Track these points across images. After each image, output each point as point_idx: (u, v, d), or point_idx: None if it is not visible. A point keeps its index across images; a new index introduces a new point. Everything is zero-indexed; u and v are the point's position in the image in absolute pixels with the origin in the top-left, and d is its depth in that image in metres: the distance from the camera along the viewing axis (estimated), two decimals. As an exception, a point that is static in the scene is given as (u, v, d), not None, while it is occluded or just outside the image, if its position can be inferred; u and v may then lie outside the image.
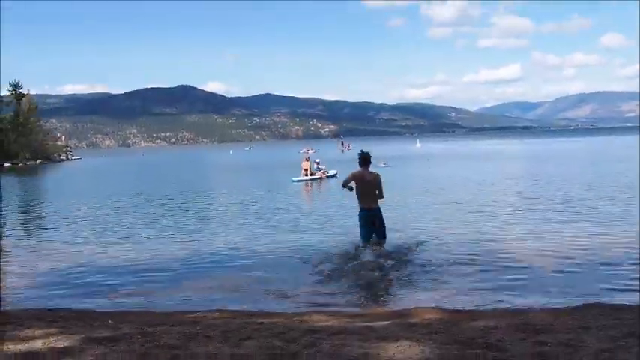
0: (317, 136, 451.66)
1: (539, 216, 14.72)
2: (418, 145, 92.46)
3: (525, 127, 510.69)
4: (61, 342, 4.92)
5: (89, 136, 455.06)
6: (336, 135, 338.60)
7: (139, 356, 4.41)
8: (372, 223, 10.01)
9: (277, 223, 15.62)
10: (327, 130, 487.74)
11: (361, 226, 10.04)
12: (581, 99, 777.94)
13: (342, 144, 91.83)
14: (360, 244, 9.95)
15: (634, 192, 18.88)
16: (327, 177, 30.99)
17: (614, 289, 7.83)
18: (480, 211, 15.71)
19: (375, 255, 9.50)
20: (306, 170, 30.63)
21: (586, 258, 9.73)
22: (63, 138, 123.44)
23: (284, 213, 17.77)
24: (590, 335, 4.87)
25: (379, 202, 10.16)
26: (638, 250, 10.12)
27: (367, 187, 10.12)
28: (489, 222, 13.98)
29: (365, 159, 10.14)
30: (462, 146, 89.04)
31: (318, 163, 31.94)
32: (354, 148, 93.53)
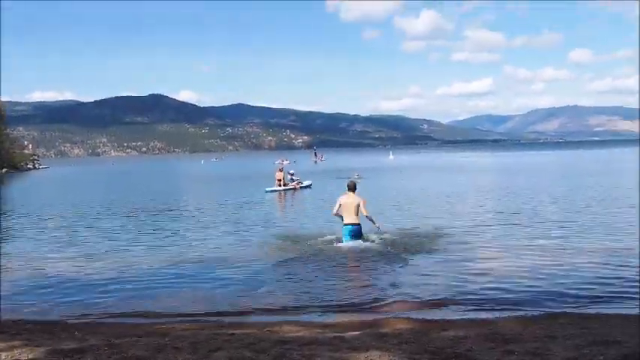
0: (290, 147, 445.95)
1: (509, 228, 14.92)
2: (391, 157, 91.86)
3: (496, 140, 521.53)
4: (26, 354, 4.81)
5: (57, 144, 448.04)
6: (309, 146, 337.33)
7: (106, 368, 4.32)
8: (353, 235, 12.44)
9: (248, 231, 15.55)
10: (300, 140, 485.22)
11: (344, 235, 12.54)
12: (551, 113, 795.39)
13: (316, 155, 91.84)
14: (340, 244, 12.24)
15: (603, 205, 19.27)
16: (301, 187, 30.98)
17: (581, 299, 7.96)
18: (451, 226, 15.85)
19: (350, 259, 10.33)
20: (279, 180, 30.59)
21: (554, 269, 9.88)
22: (30, 146, 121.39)
23: (256, 222, 17.69)
24: (557, 344, 4.94)
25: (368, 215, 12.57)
26: (604, 261, 10.31)
27: (349, 207, 12.80)
28: (459, 235, 14.11)
29: (351, 186, 13.28)
30: (434, 158, 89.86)
31: (292, 175, 31.96)
32: (327, 159, 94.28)
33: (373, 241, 12.51)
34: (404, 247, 12.03)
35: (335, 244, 12.31)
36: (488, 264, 10.39)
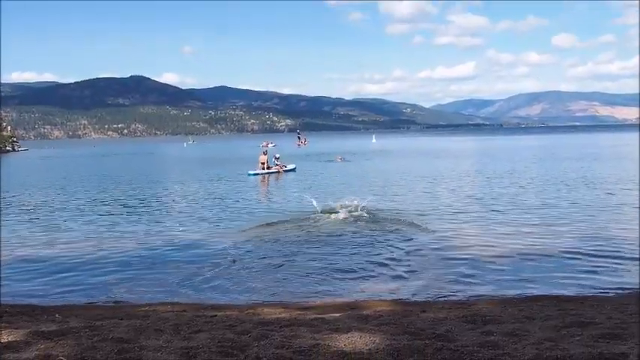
0: (273, 130, 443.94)
1: (490, 212, 15.05)
2: (374, 140, 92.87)
3: (478, 125, 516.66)
4: (6, 337, 4.78)
5: (37, 126, 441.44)
6: (292, 129, 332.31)
7: (86, 349, 4.32)
8: None
9: (230, 216, 15.52)
10: (283, 124, 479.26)
11: None
12: (534, 98, 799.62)
13: (299, 138, 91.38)
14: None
15: (583, 189, 19.51)
16: (285, 171, 30.97)
17: (560, 281, 8.08)
18: (434, 208, 15.95)
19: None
20: (263, 164, 30.52)
21: (534, 252, 10.00)
22: (9, 128, 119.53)
23: (238, 206, 17.65)
24: (535, 325, 5.02)
25: None
26: (582, 245, 10.46)
27: None
28: (441, 217, 14.21)
29: None
30: (417, 142, 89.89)
31: (277, 158, 31.94)
32: (311, 142, 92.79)
33: (349, 220, 12.68)
34: (382, 230, 12.09)
35: (315, 226, 12.38)
36: (468, 248, 10.49)
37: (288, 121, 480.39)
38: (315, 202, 14.86)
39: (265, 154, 31.10)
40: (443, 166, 33.48)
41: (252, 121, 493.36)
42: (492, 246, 10.59)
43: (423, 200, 17.70)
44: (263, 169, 30.35)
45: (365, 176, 27.86)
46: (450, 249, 10.37)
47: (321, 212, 14.24)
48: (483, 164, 33.68)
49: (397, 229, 12.28)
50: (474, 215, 14.48)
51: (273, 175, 30.13)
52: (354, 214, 13.68)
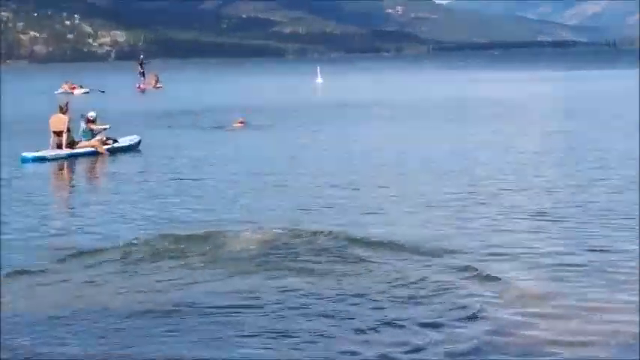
0: (85, 58, 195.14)
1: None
2: (319, 79, 44.84)
3: (559, 44, 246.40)
4: None
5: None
6: (129, 55, 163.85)
7: None
8: None
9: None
10: (106, 41, 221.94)
11: None
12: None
13: (144, 76, 42.32)
14: None
15: None
16: (112, 150, 14.68)
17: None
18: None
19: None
20: (59, 136, 14.18)
21: None
22: None
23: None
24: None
25: None
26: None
27: None
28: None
29: None
30: (414, 85, 42.20)
31: (92, 121, 15.19)
32: (177, 83, 46.53)
33: None
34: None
35: None
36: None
37: (120, 38, 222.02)
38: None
39: (65, 113, 14.46)
40: (483, 156, 13.48)
41: (32, 34, 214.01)
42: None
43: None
44: (60, 147, 14.11)
45: (294, 166, 12.07)
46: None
47: None
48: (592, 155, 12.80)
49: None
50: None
51: (84, 160, 14.11)
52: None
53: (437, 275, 5.99)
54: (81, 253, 6.99)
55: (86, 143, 14.51)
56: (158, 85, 40.48)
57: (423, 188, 10.37)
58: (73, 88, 38.32)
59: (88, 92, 37.54)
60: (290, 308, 5.29)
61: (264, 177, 11.75)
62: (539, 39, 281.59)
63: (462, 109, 24.34)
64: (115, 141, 14.99)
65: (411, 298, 5.46)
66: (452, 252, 6.72)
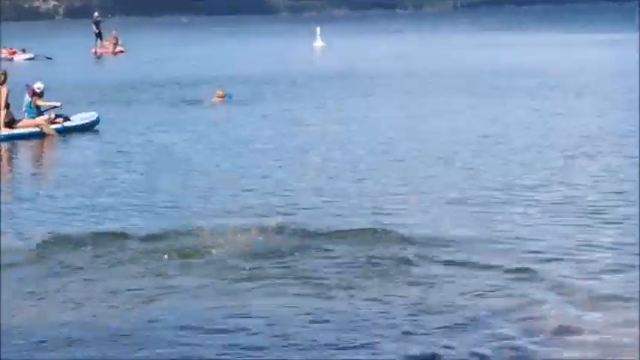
0: (28, 15, 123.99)
1: None
2: (318, 41, 38.98)
3: None
4: None
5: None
6: (80, 13, 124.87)
7: None
8: None
9: None
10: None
11: None
12: None
13: (99, 38, 34.67)
14: None
15: None
16: (64, 130, 11.95)
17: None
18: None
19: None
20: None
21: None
22: None
23: None
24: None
25: None
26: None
27: None
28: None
29: None
30: (437, 49, 34.59)
31: (38, 95, 12.24)
32: (146, 47, 39.01)
33: None
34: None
35: None
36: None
37: None
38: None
39: (3, 84, 11.58)
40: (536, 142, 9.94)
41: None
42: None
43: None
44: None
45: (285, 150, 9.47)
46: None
47: None
48: None
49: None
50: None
51: (27, 143, 11.39)
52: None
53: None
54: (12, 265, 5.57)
55: (29, 122, 11.71)
56: (118, 49, 33.39)
57: (449, 179, 8.57)
58: (14, 52, 31.86)
59: (32, 58, 30.87)
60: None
61: (250, 164, 9.54)
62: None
63: (494, 80, 19.89)
64: (67, 119, 12.14)
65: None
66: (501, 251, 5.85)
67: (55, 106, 12.30)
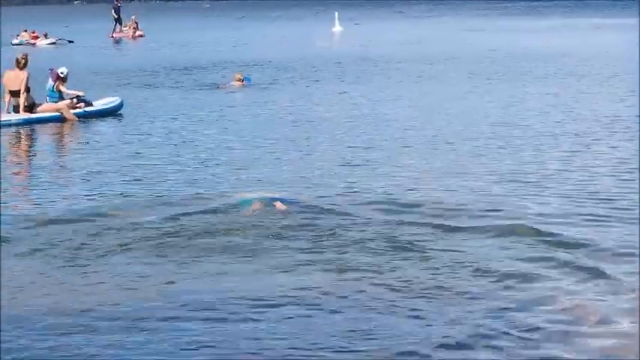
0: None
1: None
2: (336, 28, 37.96)
3: None
4: None
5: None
6: None
7: None
8: None
9: None
10: None
11: None
12: None
13: (119, 22, 34.58)
14: None
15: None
16: (84, 116, 11.86)
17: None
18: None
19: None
20: (17, 96, 11.32)
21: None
22: None
23: None
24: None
25: None
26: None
27: None
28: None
29: None
30: (460, 33, 33.56)
31: (62, 79, 11.92)
32: (150, 32, 34.93)
33: None
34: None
35: None
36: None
37: None
38: None
39: (23, 68, 11.47)
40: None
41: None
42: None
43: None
44: (18, 110, 11.30)
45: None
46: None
47: None
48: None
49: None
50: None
51: (47, 127, 11.31)
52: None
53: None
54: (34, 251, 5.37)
55: (50, 106, 11.62)
56: (138, 34, 32.97)
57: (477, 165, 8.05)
58: (36, 37, 31.06)
59: (54, 43, 30.47)
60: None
61: (272, 146, 9.53)
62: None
63: (517, 65, 19.47)
64: (89, 104, 12.05)
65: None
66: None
67: (78, 95, 12.13)
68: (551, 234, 5.62)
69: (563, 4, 74.94)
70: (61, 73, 11.96)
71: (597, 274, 4.78)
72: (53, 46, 30.13)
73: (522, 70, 18.35)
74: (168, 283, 4.76)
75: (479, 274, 4.81)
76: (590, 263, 4.99)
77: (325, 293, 4.51)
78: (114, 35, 33.67)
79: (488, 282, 4.69)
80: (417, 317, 4.17)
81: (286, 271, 4.93)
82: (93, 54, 26.28)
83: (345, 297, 4.46)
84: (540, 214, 6.26)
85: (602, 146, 9.28)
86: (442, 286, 4.60)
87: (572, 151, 8.95)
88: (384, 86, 15.78)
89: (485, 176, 7.76)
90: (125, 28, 33.98)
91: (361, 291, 4.54)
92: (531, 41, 27.16)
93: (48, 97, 11.88)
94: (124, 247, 5.41)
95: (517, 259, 5.12)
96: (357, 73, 18.42)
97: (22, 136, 10.94)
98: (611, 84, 15.43)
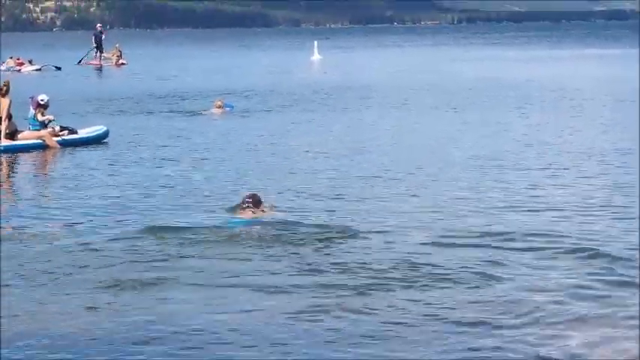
0: (24, 27, 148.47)
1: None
2: (315, 54, 38.26)
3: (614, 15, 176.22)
4: None
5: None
6: (75, 22, 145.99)
7: None
8: None
9: None
10: (49, 7, 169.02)
11: None
12: None
13: (97, 51, 33.87)
14: None
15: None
16: (71, 143, 11.87)
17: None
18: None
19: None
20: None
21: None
22: None
23: None
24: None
25: None
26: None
27: None
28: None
29: None
30: (436, 64, 33.50)
31: (42, 106, 12.14)
32: (149, 57, 40.63)
33: None
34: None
35: None
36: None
37: (67, 1, 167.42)
38: None
39: (5, 95, 11.46)
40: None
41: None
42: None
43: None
44: (-1, 138, 11.31)
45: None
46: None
47: None
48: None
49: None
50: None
51: (29, 155, 11.32)
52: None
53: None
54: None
55: (32, 134, 11.63)
56: (121, 62, 33.28)
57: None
58: (21, 64, 31.09)
59: (39, 70, 30.47)
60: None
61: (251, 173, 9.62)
62: (592, 6, 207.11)
63: (492, 94, 19.45)
64: (73, 132, 12.12)
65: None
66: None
67: (50, 120, 11.98)
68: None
69: (535, 35, 77.48)
70: (41, 100, 11.95)
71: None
72: (39, 72, 30.16)
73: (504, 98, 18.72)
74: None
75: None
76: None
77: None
78: (92, 62, 33.57)
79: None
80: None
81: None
82: (79, 81, 26.41)
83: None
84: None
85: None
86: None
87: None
88: (360, 114, 16.05)
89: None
90: (106, 56, 34.07)
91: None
92: (507, 71, 27.70)
93: (30, 126, 11.90)
94: (104, 280, 5.38)
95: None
96: (338, 101, 18.76)
97: (3, 164, 10.90)
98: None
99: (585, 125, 14.07)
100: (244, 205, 6.72)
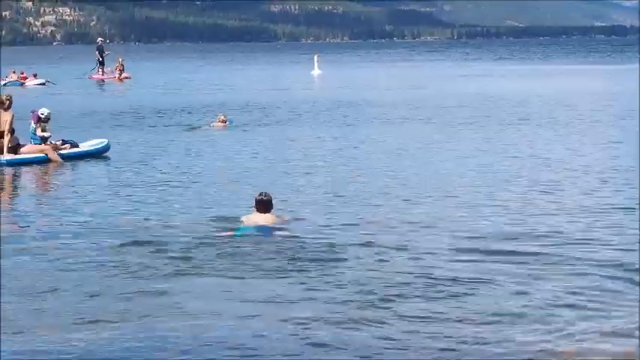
0: (25, 40, 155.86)
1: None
2: (316, 69, 38.30)
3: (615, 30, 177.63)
4: None
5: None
6: (76, 36, 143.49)
7: None
8: None
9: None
10: (50, 22, 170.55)
11: None
12: None
13: (101, 62, 33.93)
14: None
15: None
16: (70, 157, 11.88)
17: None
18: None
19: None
20: (1, 137, 11.33)
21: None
22: None
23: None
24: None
25: None
26: None
27: None
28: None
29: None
30: (437, 78, 33.47)
31: (43, 121, 12.00)
32: (145, 71, 41.29)
33: None
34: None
35: None
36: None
37: (68, 16, 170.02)
38: None
39: (7, 109, 11.45)
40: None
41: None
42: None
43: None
44: (1, 151, 11.27)
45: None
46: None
47: None
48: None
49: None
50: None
51: (31, 169, 11.29)
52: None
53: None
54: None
55: (34, 147, 11.64)
56: (124, 75, 33.17)
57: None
58: (25, 78, 30.94)
59: (43, 84, 30.37)
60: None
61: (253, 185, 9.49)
62: (593, 23, 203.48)
63: (488, 111, 19.10)
64: (75, 145, 12.16)
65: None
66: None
67: (46, 137, 11.77)
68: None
69: (535, 50, 78.29)
70: (42, 114, 11.89)
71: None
72: (42, 86, 30.20)
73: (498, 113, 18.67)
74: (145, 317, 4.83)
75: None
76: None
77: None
78: (95, 76, 33.70)
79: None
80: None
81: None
82: (80, 95, 26.41)
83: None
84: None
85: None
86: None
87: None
88: (358, 129, 15.97)
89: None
90: (109, 70, 34.24)
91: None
92: (508, 85, 27.86)
93: (31, 140, 11.90)
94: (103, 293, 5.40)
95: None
96: (337, 116, 18.64)
97: (6, 178, 10.90)
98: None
99: (586, 140, 14.07)
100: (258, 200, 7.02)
